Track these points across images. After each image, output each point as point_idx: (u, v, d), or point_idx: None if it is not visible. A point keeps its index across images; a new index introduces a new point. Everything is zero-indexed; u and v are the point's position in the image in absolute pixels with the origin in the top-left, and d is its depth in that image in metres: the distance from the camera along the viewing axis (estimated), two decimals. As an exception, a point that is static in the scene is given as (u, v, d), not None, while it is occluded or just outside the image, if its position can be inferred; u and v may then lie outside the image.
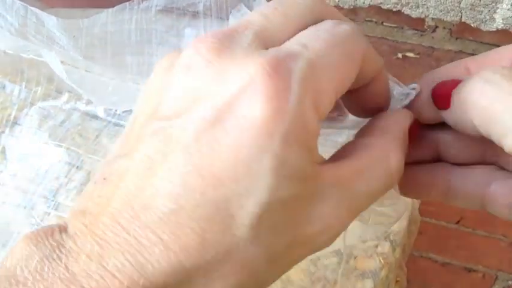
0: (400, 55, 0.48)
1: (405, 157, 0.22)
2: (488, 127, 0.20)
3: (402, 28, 0.46)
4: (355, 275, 0.37)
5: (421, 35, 0.46)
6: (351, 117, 0.25)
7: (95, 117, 0.39)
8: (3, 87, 0.40)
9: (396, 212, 0.25)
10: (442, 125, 0.24)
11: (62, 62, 0.33)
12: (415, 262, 0.85)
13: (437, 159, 0.25)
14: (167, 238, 0.17)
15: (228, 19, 0.30)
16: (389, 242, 0.39)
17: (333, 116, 0.24)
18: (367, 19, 0.46)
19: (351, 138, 0.23)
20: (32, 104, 0.40)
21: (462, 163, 0.25)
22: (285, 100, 0.18)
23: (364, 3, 0.41)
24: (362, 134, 0.22)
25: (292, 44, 0.19)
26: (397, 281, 0.44)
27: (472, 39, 0.46)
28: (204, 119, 0.18)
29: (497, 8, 0.36)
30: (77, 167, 0.38)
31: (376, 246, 0.39)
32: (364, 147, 0.21)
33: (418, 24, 0.45)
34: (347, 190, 0.20)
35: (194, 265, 0.17)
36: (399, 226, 0.40)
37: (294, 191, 0.18)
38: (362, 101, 0.23)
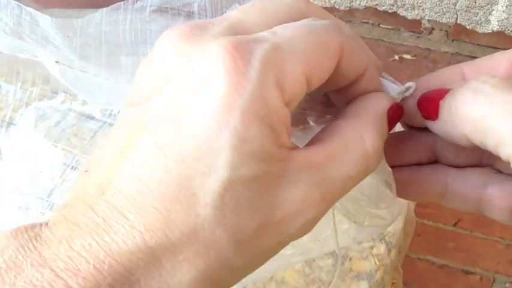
0: (396, 57, 0.48)
1: (383, 139, 0.21)
2: (483, 138, 0.20)
3: (399, 30, 0.46)
4: (350, 277, 0.37)
5: (418, 37, 0.46)
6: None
7: (91, 117, 0.39)
8: (-1, 87, 0.40)
9: (391, 215, 0.25)
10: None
11: (56, 62, 0.33)
12: (413, 264, 0.85)
13: (434, 160, 0.25)
14: (133, 218, 0.17)
15: (223, 19, 0.30)
16: (384, 243, 0.39)
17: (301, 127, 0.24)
18: (363, 21, 0.46)
19: None
20: (27, 104, 0.40)
21: (459, 165, 0.25)
22: (245, 76, 0.17)
23: (360, 4, 0.41)
24: (336, 118, 0.22)
25: (263, 32, 0.19)
26: (393, 283, 0.44)
27: (468, 41, 0.46)
28: (167, 100, 0.18)
29: (493, 10, 0.36)
30: (72, 168, 0.38)
31: (372, 247, 0.39)
32: (337, 131, 0.21)
33: (414, 26, 0.45)
34: (319, 174, 0.19)
35: (159, 245, 0.17)
36: (395, 228, 0.40)
37: (256, 170, 0.18)
38: (352, 99, 0.23)
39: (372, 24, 0.46)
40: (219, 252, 0.18)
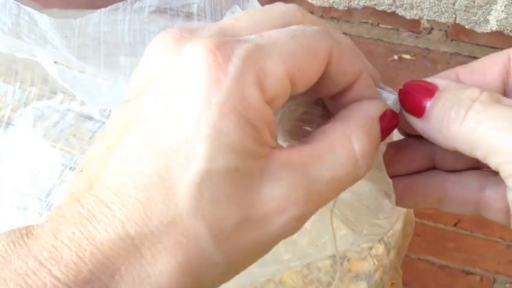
0: (395, 57, 0.48)
1: (374, 144, 0.21)
2: (472, 149, 0.20)
3: (398, 30, 0.46)
4: (348, 277, 0.37)
5: (417, 37, 0.46)
6: None
7: (89, 117, 0.39)
8: (-2, 87, 0.40)
9: (390, 224, 0.25)
10: None
11: (55, 62, 0.33)
12: (413, 265, 0.85)
13: (432, 167, 0.25)
14: (116, 208, 0.18)
15: (221, 20, 0.30)
16: (383, 244, 0.39)
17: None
18: (362, 21, 0.46)
19: None
20: (26, 105, 0.40)
21: (456, 169, 0.25)
22: (224, 72, 0.18)
23: (358, 4, 0.41)
24: (326, 122, 0.22)
25: (250, 35, 0.20)
26: (392, 283, 0.44)
27: (467, 41, 0.46)
28: (153, 98, 0.19)
29: (491, 9, 0.36)
30: (71, 168, 0.38)
31: (370, 248, 0.38)
32: (325, 132, 0.21)
33: (413, 26, 0.45)
34: (302, 173, 0.19)
35: (139, 234, 0.18)
36: (394, 228, 0.40)
37: (234, 163, 0.18)
38: (346, 105, 0.22)
39: (371, 24, 0.46)
40: (197, 244, 0.18)
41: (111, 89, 0.33)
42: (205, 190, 0.18)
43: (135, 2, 0.29)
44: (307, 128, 0.24)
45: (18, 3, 0.30)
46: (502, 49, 0.23)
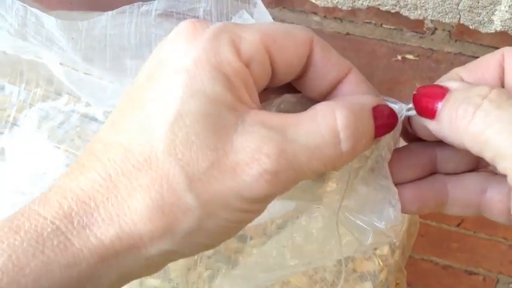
0: (399, 57, 0.48)
1: (361, 128, 0.21)
2: (480, 150, 0.20)
3: (401, 30, 0.46)
4: (354, 278, 0.37)
5: (421, 37, 0.46)
6: None
7: (94, 119, 0.39)
8: (3, 88, 0.40)
9: (395, 232, 0.25)
10: (439, 142, 0.24)
11: (61, 64, 0.33)
12: (416, 265, 0.85)
13: (434, 171, 0.25)
14: (100, 154, 0.20)
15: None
16: (388, 244, 0.39)
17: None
18: (366, 21, 0.46)
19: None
20: (31, 105, 0.40)
21: (457, 172, 0.25)
22: (200, 34, 0.20)
23: (362, 4, 0.41)
24: None
25: None
26: (397, 284, 0.44)
27: (471, 41, 0.46)
28: (144, 68, 0.21)
29: (496, 10, 0.36)
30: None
31: (375, 248, 0.38)
32: (311, 108, 0.21)
33: (417, 26, 0.45)
34: (278, 133, 0.20)
35: (117, 173, 0.19)
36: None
37: (206, 108, 0.19)
38: None
39: (375, 24, 0.46)
40: (171, 183, 0.19)
41: (117, 91, 0.34)
42: (178, 131, 0.19)
43: (142, 5, 0.29)
44: None
45: (25, 4, 0.30)
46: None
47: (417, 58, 0.47)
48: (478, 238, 0.76)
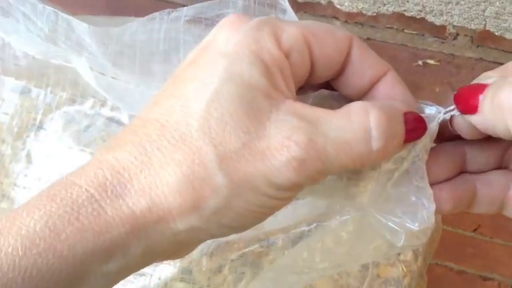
0: (420, 62, 0.48)
1: (393, 132, 0.21)
2: None
3: (423, 35, 0.46)
4: (378, 283, 0.37)
5: (442, 42, 0.46)
6: None
7: (119, 123, 0.39)
8: (29, 91, 0.40)
9: (426, 235, 0.25)
10: (468, 141, 0.24)
11: (89, 68, 0.34)
12: (430, 270, 0.84)
13: (463, 170, 0.25)
14: (137, 129, 0.21)
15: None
16: (411, 250, 0.39)
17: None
18: (387, 26, 0.46)
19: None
20: (57, 109, 0.40)
21: (484, 171, 0.25)
22: (243, 23, 0.22)
23: (388, 10, 0.41)
24: None
25: None
26: (417, 289, 0.44)
27: (493, 47, 0.45)
28: (190, 55, 0.22)
29: (523, 16, 0.36)
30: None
31: (399, 254, 0.38)
32: (344, 107, 0.22)
33: (439, 31, 0.45)
34: (310, 124, 0.20)
35: (152, 146, 0.20)
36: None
37: (243, 90, 0.20)
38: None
39: (396, 29, 0.46)
40: (202, 160, 0.20)
41: (144, 95, 0.34)
42: (213, 111, 0.20)
43: (172, 12, 0.29)
44: None
45: (57, 10, 0.31)
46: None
47: (438, 63, 0.47)
48: (494, 244, 0.76)
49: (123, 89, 0.34)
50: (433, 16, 0.40)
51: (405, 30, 0.46)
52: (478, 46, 0.45)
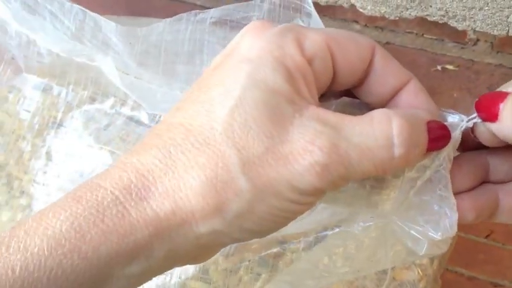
0: (439, 67, 0.48)
1: (416, 141, 0.21)
2: None
3: (443, 40, 0.46)
4: (393, 286, 0.37)
5: (462, 48, 0.46)
6: None
7: (139, 122, 0.40)
8: (51, 89, 0.41)
9: (447, 244, 0.25)
10: (490, 151, 0.24)
11: (115, 67, 0.34)
12: (442, 275, 0.84)
13: (486, 180, 0.25)
14: (162, 133, 0.21)
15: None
16: (428, 254, 0.39)
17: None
18: (407, 31, 0.46)
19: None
20: (77, 107, 0.41)
21: (506, 181, 0.25)
22: (267, 30, 0.22)
23: (410, 14, 0.41)
24: None
25: None
26: (431, 294, 0.44)
27: (513, 53, 0.45)
28: (215, 60, 0.23)
29: (547, 23, 0.36)
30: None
31: (415, 258, 0.38)
32: (367, 114, 0.22)
33: (459, 36, 0.45)
34: (333, 129, 0.20)
35: (176, 149, 0.20)
36: (438, 239, 0.40)
37: (266, 96, 0.20)
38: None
39: (416, 34, 0.46)
40: (226, 164, 0.20)
41: (166, 95, 0.34)
42: (237, 116, 0.20)
43: (199, 13, 0.30)
44: None
45: (85, 9, 0.31)
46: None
47: (457, 69, 0.47)
48: (506, 250, 0.76)
49: (145, 88, 0.34)
50: (456, 21, 0.40)
51: (425, 35, 0.46)
52: (498, 52, 0.45)
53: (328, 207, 0.27)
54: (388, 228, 0.26)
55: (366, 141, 0.20)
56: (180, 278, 0.35)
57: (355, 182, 0.24)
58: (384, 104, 0.24)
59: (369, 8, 0.42)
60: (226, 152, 0.20)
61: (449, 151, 0.23)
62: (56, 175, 0.42)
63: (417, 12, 0.41)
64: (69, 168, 0.42)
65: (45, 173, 0.42)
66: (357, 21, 0.47)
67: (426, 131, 0.22)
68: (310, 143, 0.20)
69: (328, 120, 0.20)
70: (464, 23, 0.40)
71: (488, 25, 0.39)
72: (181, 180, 0.20)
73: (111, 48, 0.32)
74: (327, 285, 0.31)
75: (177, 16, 0.30)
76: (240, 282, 0.36)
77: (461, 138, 0.24)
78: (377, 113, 0.21)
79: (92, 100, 0.40)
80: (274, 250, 0.35)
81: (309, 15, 0.30)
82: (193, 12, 0.29)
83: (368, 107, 0.24)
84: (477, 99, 0.23)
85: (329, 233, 0.29)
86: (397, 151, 0.21)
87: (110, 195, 0.20)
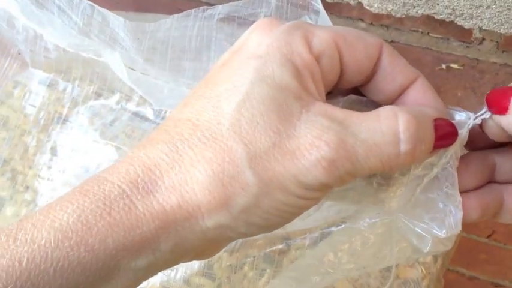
0: (443, 66, 0.48)
1: (423, 137, 0.21)
2: None
3: (448, 39, 0.46)
4: (397, 283, 0.37)
5: (467, 47, 0.46)
6: None
7: (144, 118, 0.40)
8: (57, 84, 0.41)
9: (451, 241, 0.25)
10: (498, 151, 0.25)
11: (122, 63, 0.34)
12: (443, 274, 0.84)
13: (491, 180, 0.25)
14: (169, 129, 0.21)
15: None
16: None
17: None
18: (413, 29, 0.46)
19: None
20: (83, 103, 0.41)
21: (510, 182, 0.25)
22: (275, 27, 0.22)
23: (417, 12, 0.41)
24: None
25: None
26: (433, 293, 0.44)
27: (519, 52, 0.45)
28: (223, 57, 0.23)
29: (554, 22, 0.36)
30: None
31: (419, 256, 0.39)
32: (374, 111, 0.22)
33: (464, 35, 0.45)
34: (340, 125, 0.20)
35: (183, 144, 0.20)
36: (442, 237, 0.40)
37: (272, 92, 0.20)
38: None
39: (422, 32, 0.46)
40: (233, 158, 0.20)
41: (173, 91, 0.34)
42: (245, 111, 0.20)
43: (207, 9, 0.30)
44: None
45: (94, 4, 0.31)
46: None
47: (462, 67, 0.47)
48: (507, 250, 0.76)
49: (152, 84, 0.34)
50: (463, 19, 0.40)
51: (430, 34, 0.46)
52: (503, 51, 0.45)
53: (334, 205, 0.27)
54: (394, 225, 0.26)
55: (373, 137, 0.21)
56: (185, 273, 0.35)
57: (362, 180, 0.24)
58: (391, 102, 0.24)
59: (376, 5, 0.42)
60: (233, 147, 0.20)
61: (456, 149, 0.23)
62: (61, 170, 0.42)
63: (424, 10, 0.41)
64: (74, 163, 0.42)
65: (49, 168, 0.42)
66: (362, 19, 0.47)
67: (433, 128, 0.22)
68: (317, 138, 0.20)
69: (335, 116, 0.21)
70: (471, 21, 0.40)
71: (495, 23, 0.39)
72: (188, 175, 0.20)
73: (118, 43, 0.32)
74: (332, 282, 0.31)
75: (184, 12, 0.30)
76: (244, 278, 0.36)
77: (469, 137, 0.24)
78: (384, 110, 0.21)
79: (98, 96, 0.41)
80: (279, 246, 0.35)
81: (316, 12, 0.30)
82: (201, 8, 0.29)
83: (375, 105, 0.24)
84: (487, 93, 0.23)
85: (334, 229, 0.29)
86: (404, 147, 0.21)
87: (117, 188, 0.20)
